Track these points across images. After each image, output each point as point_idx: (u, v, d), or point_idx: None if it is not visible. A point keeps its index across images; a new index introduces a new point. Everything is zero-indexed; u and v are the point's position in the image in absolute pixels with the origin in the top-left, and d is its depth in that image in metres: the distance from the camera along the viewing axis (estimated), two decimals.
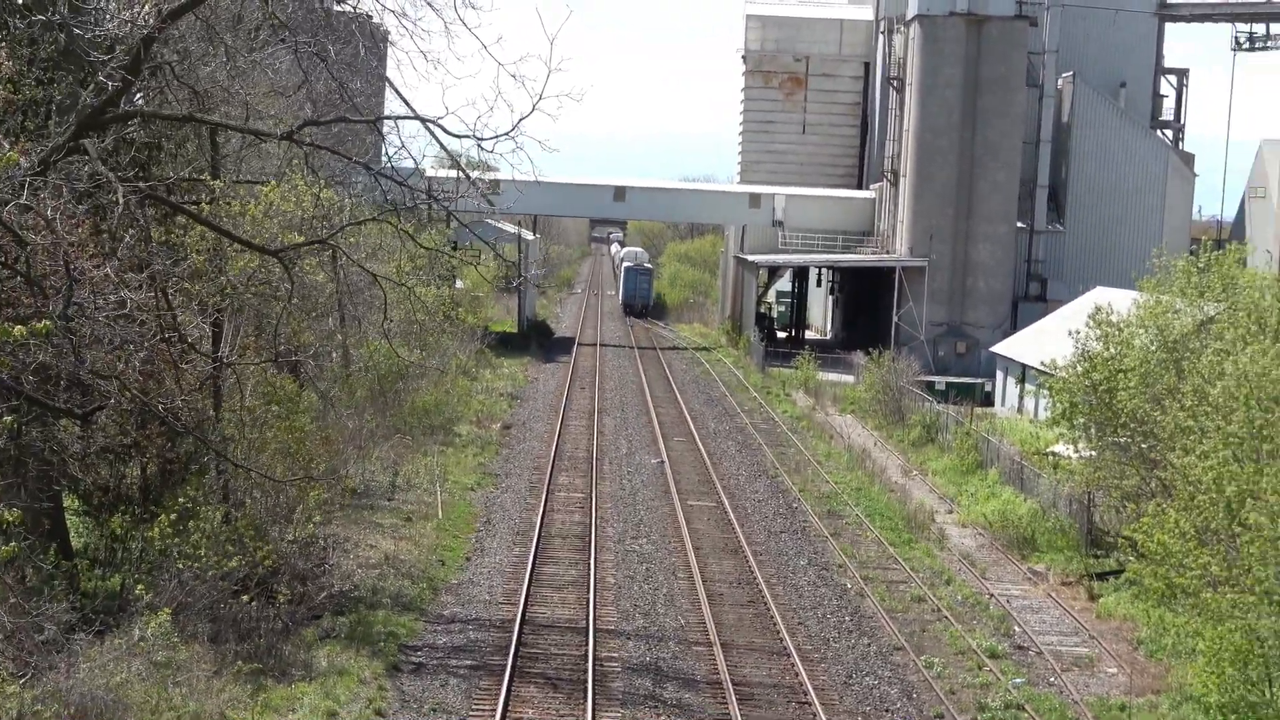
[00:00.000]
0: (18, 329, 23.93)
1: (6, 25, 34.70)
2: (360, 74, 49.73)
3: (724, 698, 35.56)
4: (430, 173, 46.95)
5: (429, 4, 36.00)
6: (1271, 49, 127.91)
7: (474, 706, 34.31)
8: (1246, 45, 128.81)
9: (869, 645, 40.86)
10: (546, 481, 61.30)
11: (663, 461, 67.96)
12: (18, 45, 34.74)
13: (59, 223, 29.90)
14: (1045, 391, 55.41)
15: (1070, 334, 53.18)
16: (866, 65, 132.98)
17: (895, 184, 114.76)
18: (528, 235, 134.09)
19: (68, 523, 38.52)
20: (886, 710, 35.84)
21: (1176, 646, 39.53)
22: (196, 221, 37.45)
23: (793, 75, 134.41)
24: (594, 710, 34.19)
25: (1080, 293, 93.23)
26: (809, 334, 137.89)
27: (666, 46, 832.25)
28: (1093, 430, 50.93)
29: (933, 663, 39.26)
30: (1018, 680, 38.05)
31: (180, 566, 35.26)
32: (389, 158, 40.35)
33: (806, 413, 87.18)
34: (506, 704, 34.14)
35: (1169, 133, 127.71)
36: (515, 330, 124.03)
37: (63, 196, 30.90)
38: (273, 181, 42.67)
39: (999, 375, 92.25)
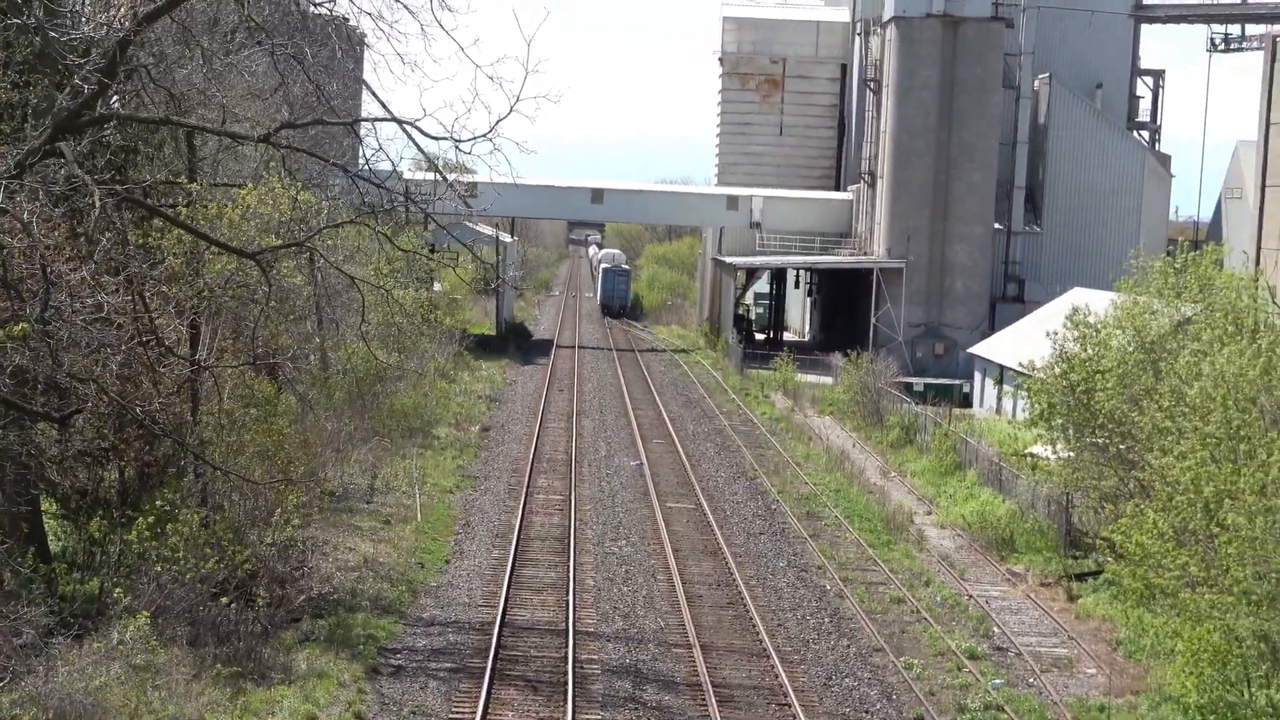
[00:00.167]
0: None
1: None
2: (337, 76, 49.60)
3: (704, 699, 35.56)
4: (408, 175, 46.95)
5: (405, 6, 35.94)
6: (1246, 50, 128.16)
7: (454, 709, 34.27)
8: (1222, 47, 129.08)
9: (849, 647, 40.89)
10: (525, 484, 61.26)
11: (642, 464, 67.94)
12: None
13: (35, 226, 29.83)
14: (1023, 392, 55.49)
15: (1048, 335, 53.24)
16: (843, 67, 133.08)
17: (872, 185, 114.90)
18: (506, 237, 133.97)
19: (46, 526, 38.41)
20: (866, 712, 35.86)
21: (1155, 647, 39.57)
22: (174, 224, 37.36)
23: (769, 77, 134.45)
24: (574, 712, 34.17)
25: (1058, 294, 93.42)
26: (787, 335, 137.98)
27: (643, 49, 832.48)
28: (1071, 431, 50.98)
29: (912, 664, 39.30)
30: (997, 681, 38.09)
31: (159, 569, 35.20)
32: (367, 160, 40.27)
33: (785, 414, 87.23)
34: (486, 706, 34.11)
35: (1145, 134, 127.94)
36: (493, 333, 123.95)
37: (39, 200, 30.82)
38: (250, 184, 42.58)
39: (977, 376, 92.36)
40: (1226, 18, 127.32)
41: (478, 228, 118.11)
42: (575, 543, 51.01)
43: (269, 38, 40.21)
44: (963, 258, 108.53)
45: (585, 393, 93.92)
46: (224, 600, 36.48)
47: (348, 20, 44.85)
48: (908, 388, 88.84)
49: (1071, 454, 51.00)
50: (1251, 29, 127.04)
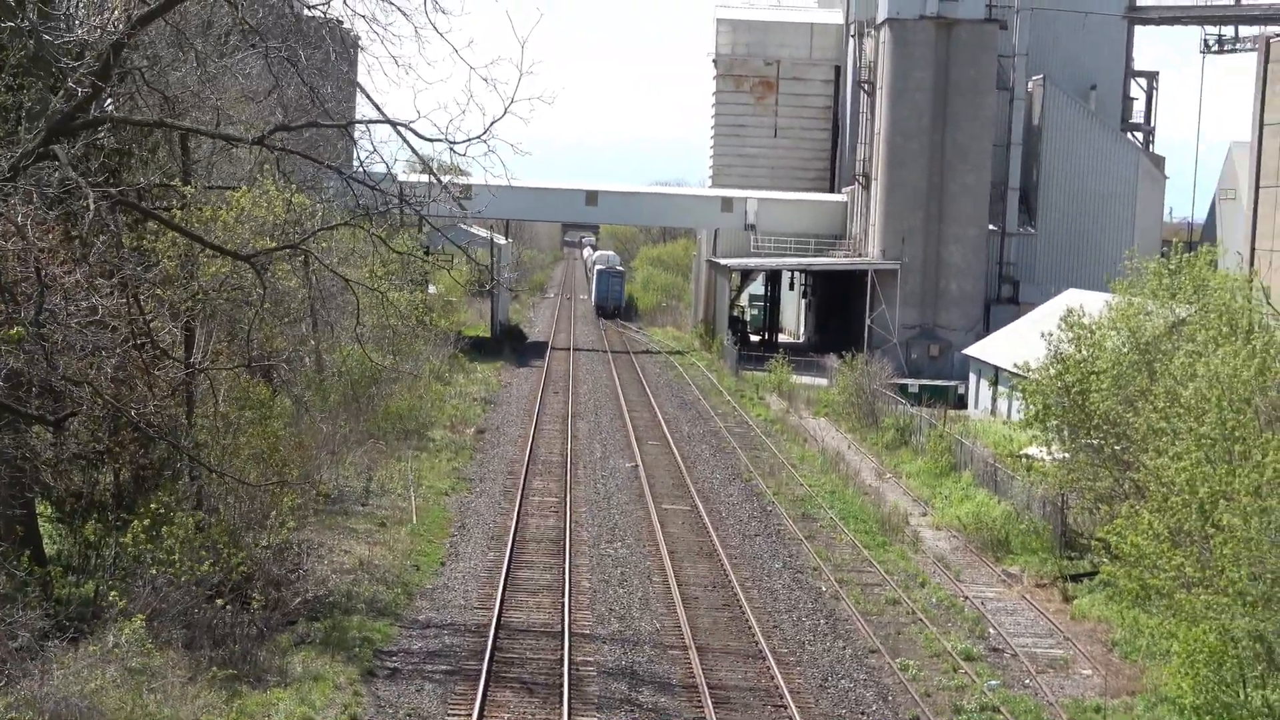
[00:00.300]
0: None
1: None
2: (331, 79, 49.57)
3: (700, 701, 35.56)
4: (402, 177, 46.91)
5: (399, 9, 35.92)
6: (1240, 51, 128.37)
7: (450, 711, 34.27)
8: (1215, 48, 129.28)
9: (844, 648, 40.89)
10: (521, 486, 61.25)
11: (637, 465, 67.94)
12: None
13: (30, 229, 29.81)
14: (1018, 394, 55.47)
15: (1043, 336, 53.24)
16: (837, 69, 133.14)
17: (867, 187, 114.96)
18: (500, 240, 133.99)
19: (40, 529, 38.37)
20: (862, 713, 35.86)
21: (1151, 648, 39.60)
22: (168, 227, 37.34)
23: (764, 79, 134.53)
24: (570, 714, 34.18)
25: (1052, 295, 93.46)
26: (782, 337, 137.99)
27: (636, 50, 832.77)
28: (1066, 432, 50.97)
29: (908, 665, 39.31)
30: (993, 682, 38.10)
31: (154, 572, 35.16)
32: (361, 162, 40.27)
33: (780, 416, 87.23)
34: (482, 709, 34.10)
35: (1139, 135, 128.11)
36: (488, 335, 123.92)
37: (33, 203, 30.79)
38: (244, 187, 42.59)
39: (972, 378, 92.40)
40: (1220, 19, 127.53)
41: (472, 230, 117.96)
42: (571, 545, 51.01)
43: (263, 40, 40.17)
44: (957, 259, 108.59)
45: (580, 395, 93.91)
46: (219, 603, 36.46)
47: (342, 23, 44.76)
48: (903, 389, 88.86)
49: (1066, 455, 51.00)
50: (1245, 30, 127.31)
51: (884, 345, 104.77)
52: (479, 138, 34.29)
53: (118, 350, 33.27)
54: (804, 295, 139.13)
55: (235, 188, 42.64)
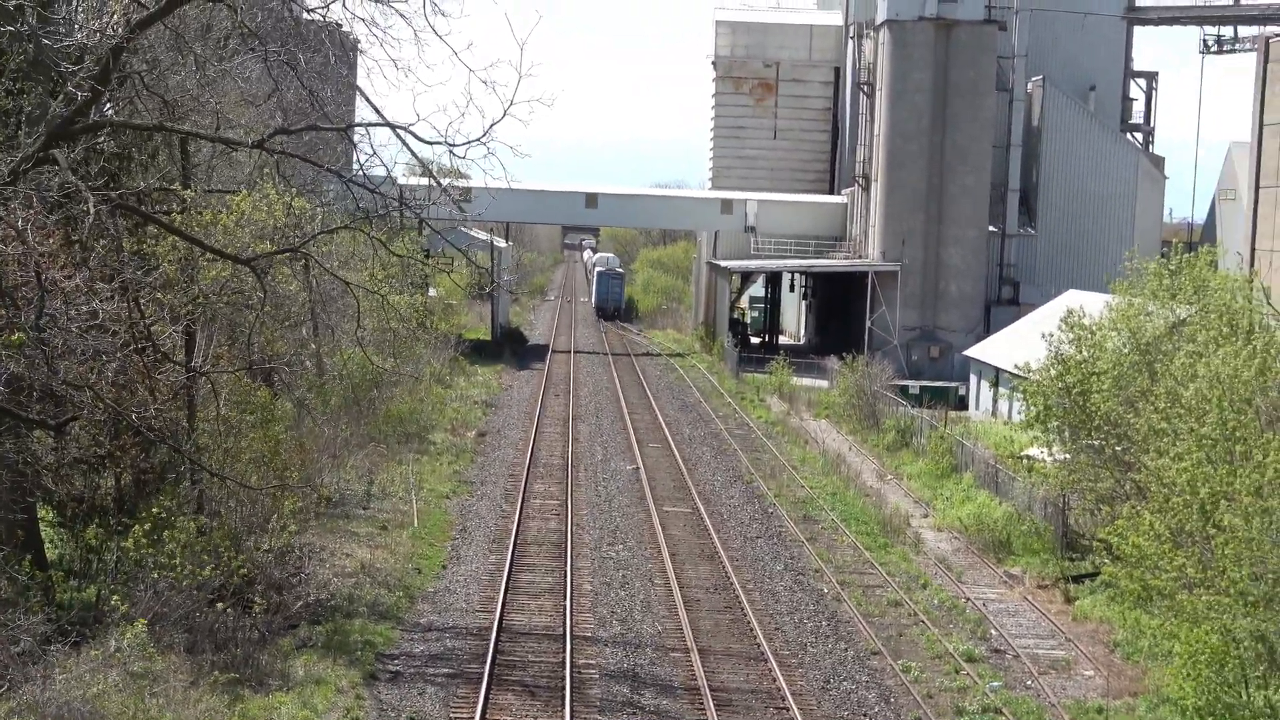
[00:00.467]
0: None
1: None
2: (330, 82, 49.57)
3: (702, 704, 35.56)
4: (402, 180, 46.90)
5: (398, 12, 35.91)
6: (1239, 51, 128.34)
7: (452, 714, 34.26)
8: (1215, 48, 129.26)
9: (846, 650, 40.87)
10: (522, 489, 61.24)
11: (638, 468, 67.93)
12: None
13: (30, 233, 29.80)
14: (1019, 395, 55.45)
15: (1043, 337, 53.23)
16: (836, 70, 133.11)
17: (866, 189, 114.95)
18: (500, 242, 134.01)
19: (42, 534, 38.37)
20: (864, 715, 35.85)
21: (1153, 649, 39.59)
22: (168, 231, 37.34)
23: (763, 81, 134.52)
24: (572, 717, 34.17)
25: (1052, 296, 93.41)
26: (783, 339, 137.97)
27: (636, 52, 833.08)
28: (1066, 433, 50.96)
29: (910, 667, 39.30)
30: (995, 684, 38.10)
31: (155, 577, 35.16)
32: (360, 165, 40.25)
33: (781, 418, 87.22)
34: (484, 712, 34.09)
35: (1139, 136, 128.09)
36: (489, 337, 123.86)
37: (33, 207, 30.79)
38: (244, 190, 42.58)
39: (972, 379, 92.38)
40: (1219, 19, 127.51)
41: (472, 233, 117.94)
42: (572, 547, 51.00)
43: (262, 44, 40.12)
44: (957, 260, 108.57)
45: (581, 397, 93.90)
46: (221, 607, 36.44)
47: (341, 26, 44.75)
48: (903, 390, 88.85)
49: (1067, 456, 50.99)
50: (1244, 30, 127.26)
51: (884, 347, 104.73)
52: (478, 140, 34.32)
53: (118, 354, 33.26)
54: (804, 297, 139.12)
55: (235, 191, 42.63)
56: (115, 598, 33.85)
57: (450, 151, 34.81)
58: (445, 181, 39.50)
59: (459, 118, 33.91)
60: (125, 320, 34.13)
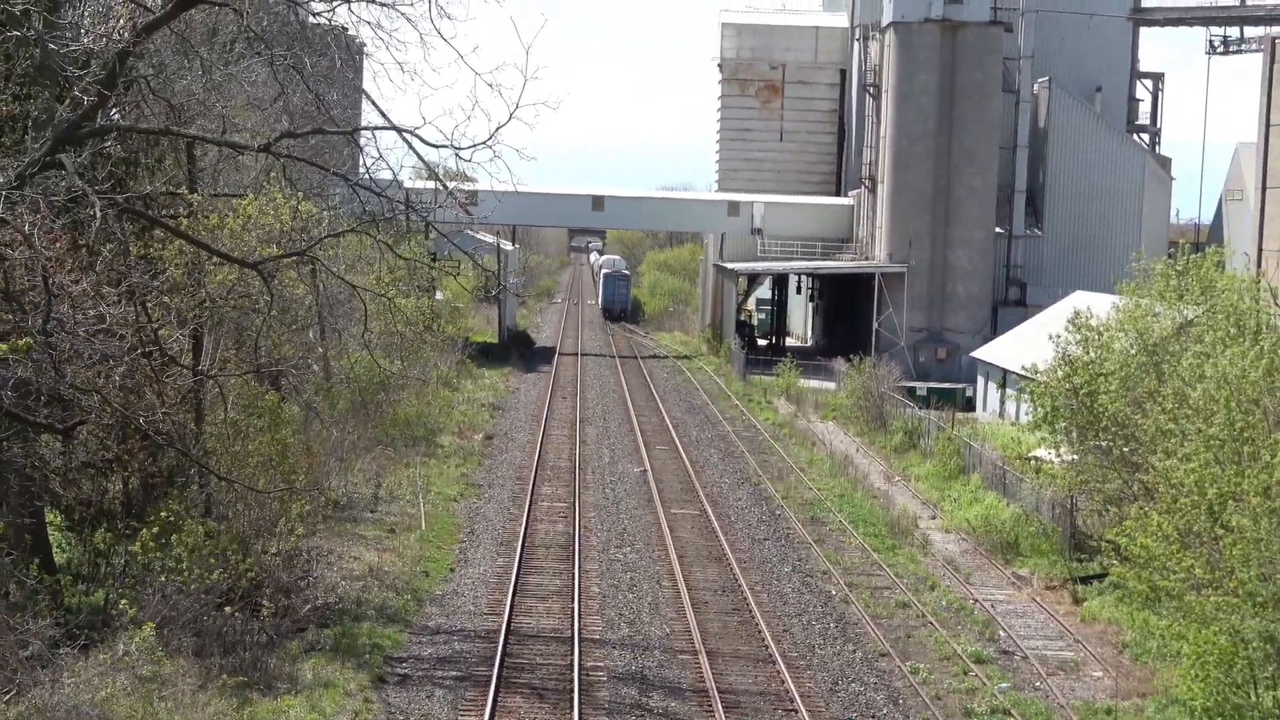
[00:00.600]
0: None
1: None
2: (337, 86, 49.71)
3: (710, 706, 35.54)
4: (408, 183, 46.92)
5: (404, 15, 35.92)
6: (1245, 52, 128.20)
7: (460, 717, 34.28)
8: (1221, 49, 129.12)
9: (854, 652, 40.85)
10: (529, 491, 61.24)
11: (645, 470, 67.92)
12: None
13: (37, 238, 29.82)
14: (1026, 396, 55.42)
15: (1050, 338, 53.22)
16: (843, 72, 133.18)
17: (873, 190, 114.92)
18: (507, 245, 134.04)
19: (50, 538, 38.40)
20: (873, 717, 35.82)
21: (1161, 649, 39.54)
22: (175, 235, 37.36)
23: (769, 83, 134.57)
24: None
25: (1060, 297, 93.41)
26: (789, 341, 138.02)
27: (642, 55, 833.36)
28: (1074, 434, 50.95)
29: (918, 668, 39.27)
30: (1003, 685, 38.07)
31: (164, 580, 35.19)
32: (367, 169, 40.27)
33: (788, 420, 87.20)
34: (493, 715, 34.11)
35: (1145, 137, 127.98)
36: (496, 340, 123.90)
37: (40, 211, 30.81)
38: (250, 194, 42.57)
39: (980, 380, 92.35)
40: (1225, 20, 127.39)
41: (479, 235, 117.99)
42: (580, 550, 50.99)
43: (268, 48, 40.17)
44: (964, 262, 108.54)
45: (588, 400, 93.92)
46: (229, 610, 36.46)
47: (347, 29, 44.82)
48: (910, 392, 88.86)
49: (1075, 457, 50.97)
50: (1250, 31, 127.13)
51: (891, 348, 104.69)
52: (484, 143, 34.35)
53: (126, 358, 33.27)
54: (811, 299, 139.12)
55: (241, 195, 42.62)
56: (123, 601, 33.88)
57: (456, 154, 34.86)
58: (451, 184, 39.55)
59: (465, 121, 33.95)
60: (132, 324, 34.16)
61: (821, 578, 49.14)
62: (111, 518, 38.72)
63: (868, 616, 44.20)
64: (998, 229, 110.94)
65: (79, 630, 32.63)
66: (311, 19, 43.92)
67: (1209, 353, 42.22)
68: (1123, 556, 37.20)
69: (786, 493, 63.60)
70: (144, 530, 35.80)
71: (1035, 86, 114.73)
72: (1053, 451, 53.05)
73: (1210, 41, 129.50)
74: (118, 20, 35.23)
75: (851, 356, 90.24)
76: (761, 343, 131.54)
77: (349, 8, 37.63)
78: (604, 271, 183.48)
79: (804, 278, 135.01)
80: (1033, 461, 57.38)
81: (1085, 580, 48.46)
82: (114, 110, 37.44)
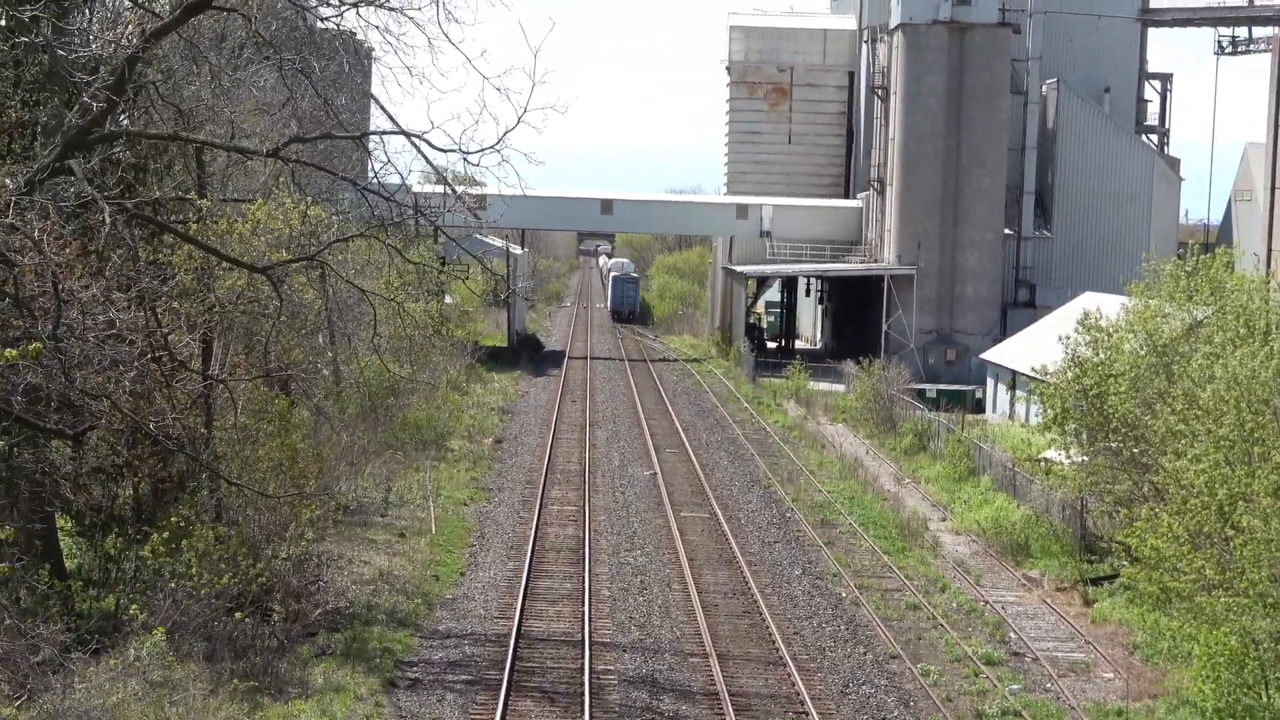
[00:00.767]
0: (8, 351, 23.89)
1: None
2: (345, 90, 49.64)
3: (721, 709, 35.54)
4: (417, 188, 46.98)
5: (412, 20, 36.00)
6: (1254, 52, 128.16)
7: None
8: (1229, 49, 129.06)
9: (865, 654, 40.84)
10: (539, 495, 61.25)
11: (655, 473, 67.93)
12: (2, 68, 34.72)
13: (47, 243, 29.86)
14: (1036, 398, 55.37)
15: (1060, 339, 53.17)
16: (851, 74, 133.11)
17: (881, 192, 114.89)
18: (516, 249, 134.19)
19: (61, 543, 38.44)
20: (884, 719, 35.81)
21: (1172, 651, 39.47)
22: (184, 240, 37.40)
23: (777, 85, 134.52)
24: None
25: (1069, 298, 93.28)
26: (799, 344, 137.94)
27: (650, 58, 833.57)
28: (1084, 436, 50.90)
29: (929, 670, 39.25)
30: (1014, 687, 38.04)
31: (174, 585, 35.20)
32: (375, 173, 40.34)
33: (798, 422, 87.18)
34: (504, 718, 34.11)
35: (1154, 137, 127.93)
36: (505, 344, 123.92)
37: (50, 217, 30.85)
38: (259, 199, 42.60)
39: (989, 382, 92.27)
40: (1233, 20, 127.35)
41: (488, 240, 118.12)
42: (590, 553, 51.00)
43: (276, 53, 40.26)
44: (973, 263, 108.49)
45: (598, 403, 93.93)
46: (239, 615, 36.47)
47: (355, 34, 44.87)
48: (920, 394, 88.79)
49: (1085, 458, 50.93)
50: (1259, 31, 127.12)
51: (901, 350, 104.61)
52: (493, 147, 34.44)
53: (136, 363, 33.31)
54: (820, 301, 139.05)
55: (250, 200, 42.66)
56: (134, 606, 33.91)
57: (464, 159, 34.95)
58: (460, 189, 39.59)
59: (473, 125, 34.04)
60: (142, 329, 34.19)
61: (832, 580, 49.13)
62: (122, 523, 38.75)
63: (878, 618, 44.18)
64: (1007, 230, 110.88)
65: (90, 635, 32.63)
66: (319, 24, 43.97)
67: (1219, 353, 42.17)
68: (1133, 558, 37.20)
69: (796, 495, 63.58)
70: (154, 535, 35.82)
71: (1044, 88, 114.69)
72: (1063, 453, 53.01)
73: (1219, 42, 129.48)
74: (126, 26, 35.31)
75: (861, 359, 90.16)
76: (771, 345, 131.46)
77: (357, 12, 37.72)
78: (613, 275, 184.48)
79: (813, 280, 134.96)
80: (1043, 463, 57.37)
81: (1096, 582, 48.43)
82: (123, 116, 37.48)
